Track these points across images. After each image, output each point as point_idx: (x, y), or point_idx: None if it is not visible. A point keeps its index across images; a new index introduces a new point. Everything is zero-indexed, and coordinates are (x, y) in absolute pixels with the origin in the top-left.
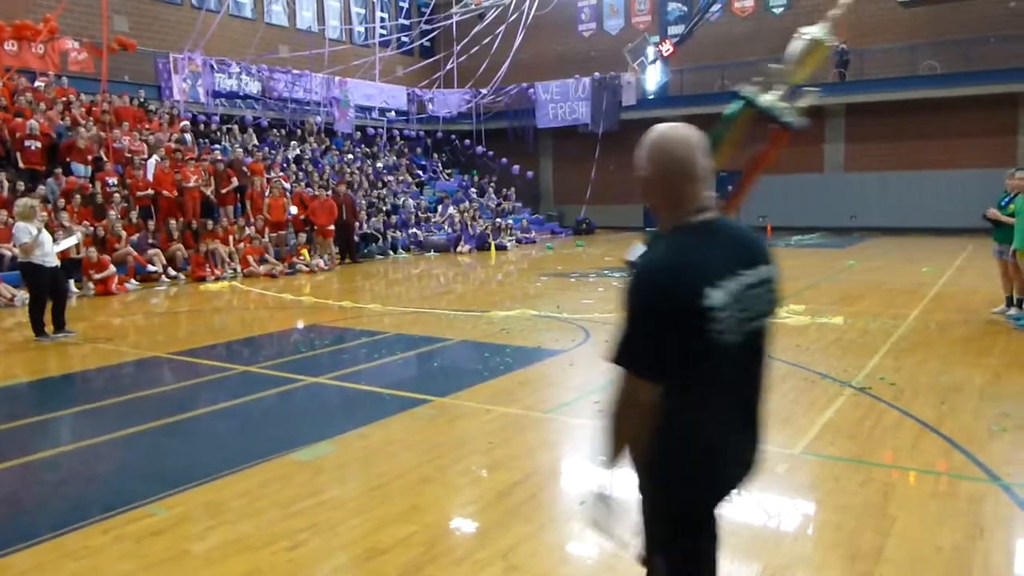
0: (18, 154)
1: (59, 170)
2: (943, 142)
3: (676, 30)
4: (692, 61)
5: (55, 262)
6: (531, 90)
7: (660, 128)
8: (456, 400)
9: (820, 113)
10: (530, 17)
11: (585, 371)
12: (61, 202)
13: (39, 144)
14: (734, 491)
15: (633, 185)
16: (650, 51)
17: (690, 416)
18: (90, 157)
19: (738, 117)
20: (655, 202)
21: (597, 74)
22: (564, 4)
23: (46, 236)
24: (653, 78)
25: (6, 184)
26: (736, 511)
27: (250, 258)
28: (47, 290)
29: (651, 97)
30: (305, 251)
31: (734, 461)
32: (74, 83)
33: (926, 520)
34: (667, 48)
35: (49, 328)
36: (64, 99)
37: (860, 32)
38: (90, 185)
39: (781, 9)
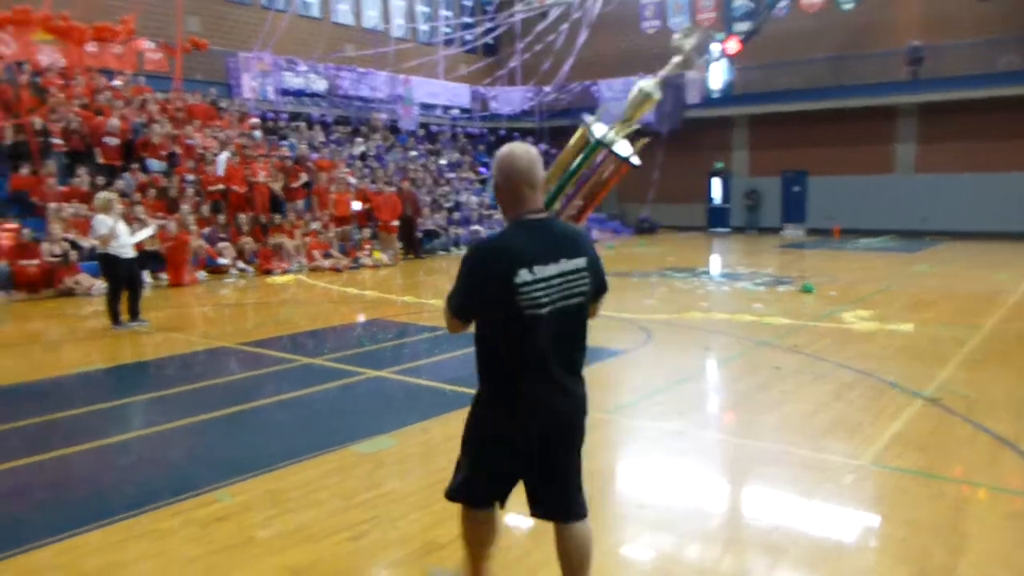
0: (97, 150)
1: (135, 165)
2: (1022, 142)
3: (742, 27)
4: (758, 58)
5: (131, 253)
6: (594, 88)
7: (509, 145)
8: None
9: (891, 113)
10: (594, 14)
11: (646, 372)
12: (137, 196)
13: (117, 140)
14: (548, 426)
15: (698, 184)
16: (715, 48)
17: (510, 367)
18: (164, 153)
19: (580, 139)
20: (503, 203)
21: (661, 72)
22: (628, 1)
23: (123, 228)
24: (718, 76)
25: (86, 179)
26: (798, 519)
27: (315, 252)
28: (123, 280)
29: (716, 96)
30: (376, 254)
31: (553, 410)
32: (150, 81)
33: (1002, 541)
34: (733, 45)
35: (125, 317)
36: (140, 97)
37: (935, 28)
38: (164, 180)
39: (851, 5)
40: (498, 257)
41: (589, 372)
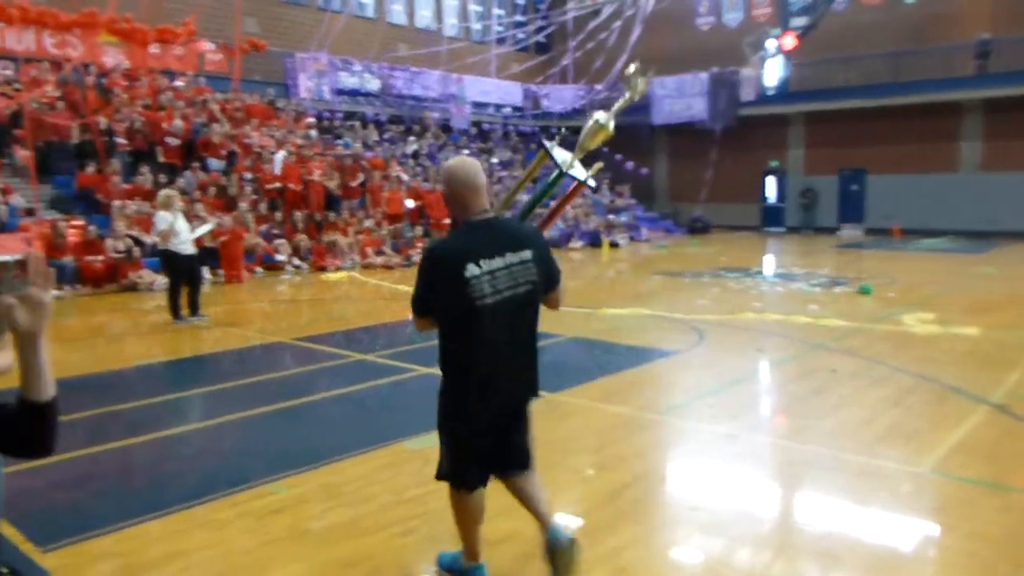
0: (159, 149)
1: (196, 164)
2: None
3: (799, 22)
4: (815, 54)
5: (191, 250)
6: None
7: (451, 160)
8: (566, 397)
9: (955, 109)
10: (647, 11)
11: (699, 373)
12: (197, 194)
13: (178, 141)
14: (504, 406)
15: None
16: (771, 44)
17: (465, 355)
18: (224, 152)
19: (541, 160)
20: (452, 209)
21: (715, 69)
22: None
23: (183, 224)
24: (773, 73)
25: (149, 177)
26: (853, 527)
27: (368, 249)
28: (183, 276)
29: (771, 93)
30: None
31: (506, 393)
32: (210, 82)
33: None
34: (789, 41)
35: (185, 311)
36: (201, 97)
37: (1004, 20)
38: (223, 178)
39: None
40: (449, 257)
41: (640, 373)
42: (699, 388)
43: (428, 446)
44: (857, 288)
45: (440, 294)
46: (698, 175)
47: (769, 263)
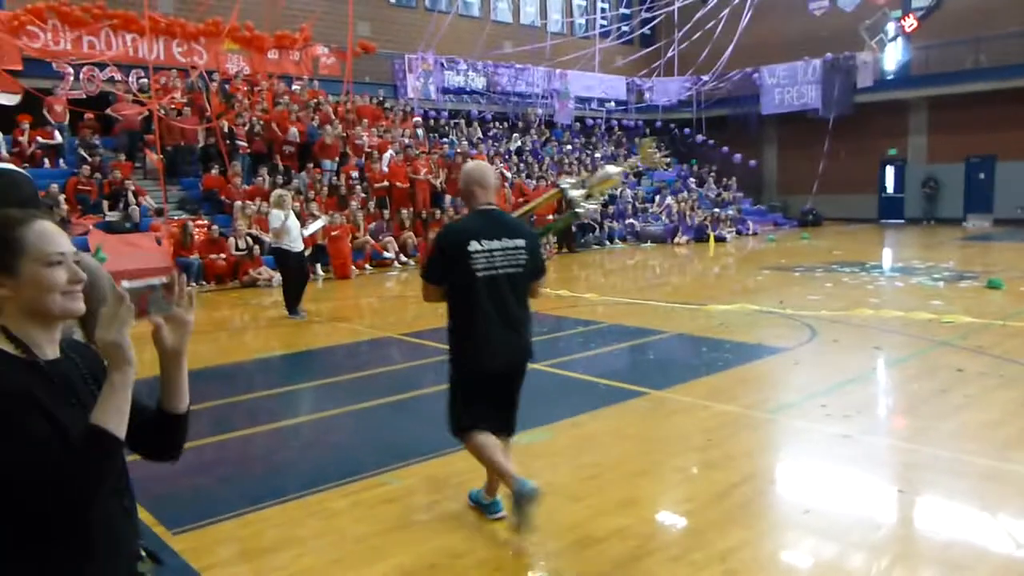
0: (277, 156)
1: (310, 164)
2: None
3: (921, 2)
4: (939, 35)
5: (301, 247)
6: (756, 75)
7: (471, 163)
8: (672, 394)
9: None
10: None
11: (811, 371)
12: (311, 193)
13: (293, 149)
14: (506, 366)
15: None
16: (890, 27)
17: (466, 317)
18: (337, 153)
19: (554, 196)
20: (464, 199)
21: (829, 55)
22: None
23: (294, 223)
24: (893, 57)
25: (267, 178)
26: (982, 536)
27: None
28: (293, 272)
29: (890, 78)
30: None
31: (500, 348)
32: (323, 85)
33: None
34: (910, 23)
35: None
36: (315, 100)
37: None
38: (335, 178)
39: None
40: (458, 234)
41: (748, 370)
42: (811, 387)
43: (534, 441)
44: (985, 282)
45: (448, 264)
46: (809, 166)
47: (887, 256)
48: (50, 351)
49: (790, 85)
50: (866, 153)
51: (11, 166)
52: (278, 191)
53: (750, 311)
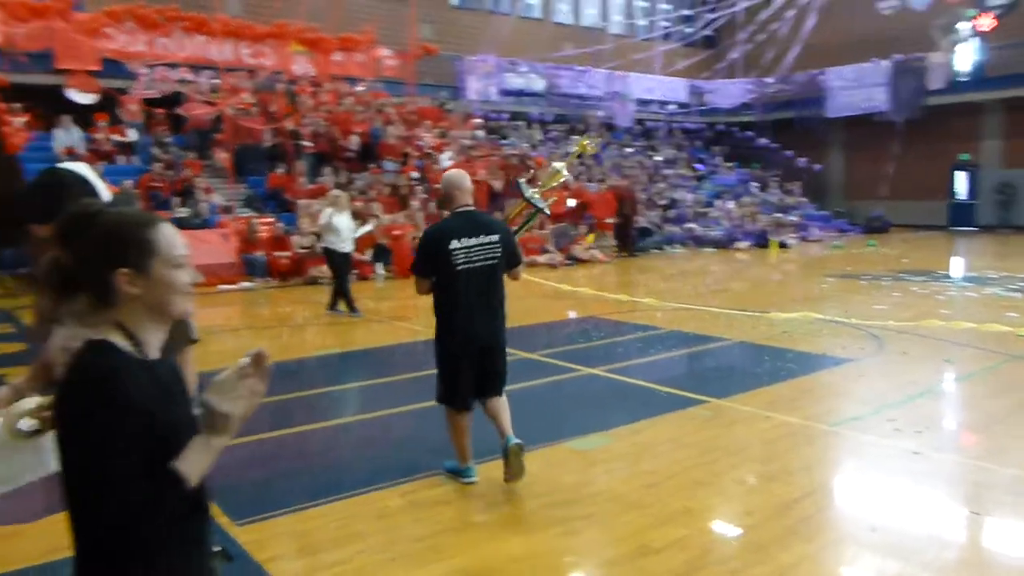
0: (338, 161)
1: (373, 165)
2: None
3: (997, 0)
4: (1017, 35)
5: (349, 248)
6: (821, 76)
7: (451, 170)
8: (733, 403)
9: None
10: None
11: (876, 383)
12: (372, 193)
13: (354, 154)
14: (483, 344)
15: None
16: (964, 27)
17: (448, 305)
18: (399, 153)
19: (519, 201)
20: (446, 202)
21: (899, 56)
22: None
23: (344, 223)
24: (966, 58)
25: (331, 178)
26: None
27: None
28: (336, 270)
29: (964, 79)
30: (590, 238)
31: (477, 329)
32: (386, 87)
33: None
34: (987, 21)
35: (342, 306)
36: (378, 101)
37: None
38: (396, 178)
39: None
40: (438, 234)
41: (810, 381)
42: (877, 400)
43: (593, 447)
44: None
45: (432, 260)
46: (876, 170)
47: (958, 265)
48: (155, 350)
49: (857, 87)
50: (936, 157)
51: (68, 164)
52: (335, 191)
53: (814, 320)
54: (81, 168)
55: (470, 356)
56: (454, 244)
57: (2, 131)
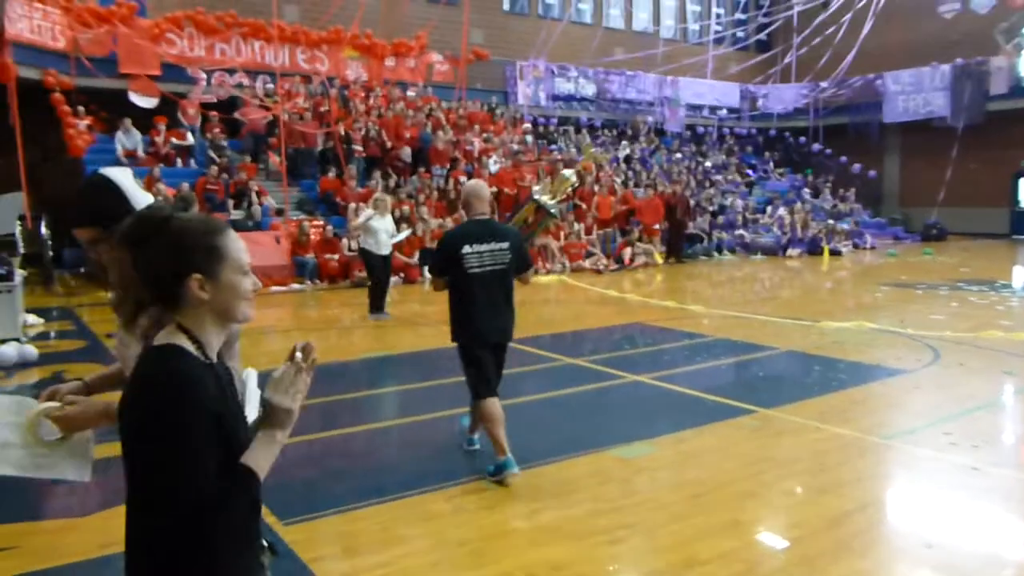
0: (389, 167)
1: (422, 169)
2: None
3: None
4: None
5: (386, 251)
6: (878, 81)
7: (470, 180)
8: (782, 413)
9: None
10: (881, 2)
11: (932, 395)
12: (421, 197)
13: (404, 163)
14: (495, 340)
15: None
16: None
17: (463, 304)
18: (448, 158)
19: (528, 206)
20: (465, 209)
21: (960, 60)
22: None
23: (381, 226)
24: None
25: (381, 182)
26: None
27: (578, 253)
28: (374, 273)
29: None
30: (636, 240)
31: (488, 327)
32: (436, 91)
33: None
34: None
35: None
36: (428, 106)
37: None
38: (445, 182)
39: None
40: (455, 238)
41: (863, 392)
42: (933, 412)
43: (636, 455)
44: None
45: (447, 261)
46: (934, 177)
47: (1020, 275)
48: (215, 353)
49: (915, 92)
50: (997, 164)
51: (109, 169)
52: (380, 195)
53: (867, 329)
54: (117, 172)
55: (489, 347)
56: (467, 249)
57: (67, 134)
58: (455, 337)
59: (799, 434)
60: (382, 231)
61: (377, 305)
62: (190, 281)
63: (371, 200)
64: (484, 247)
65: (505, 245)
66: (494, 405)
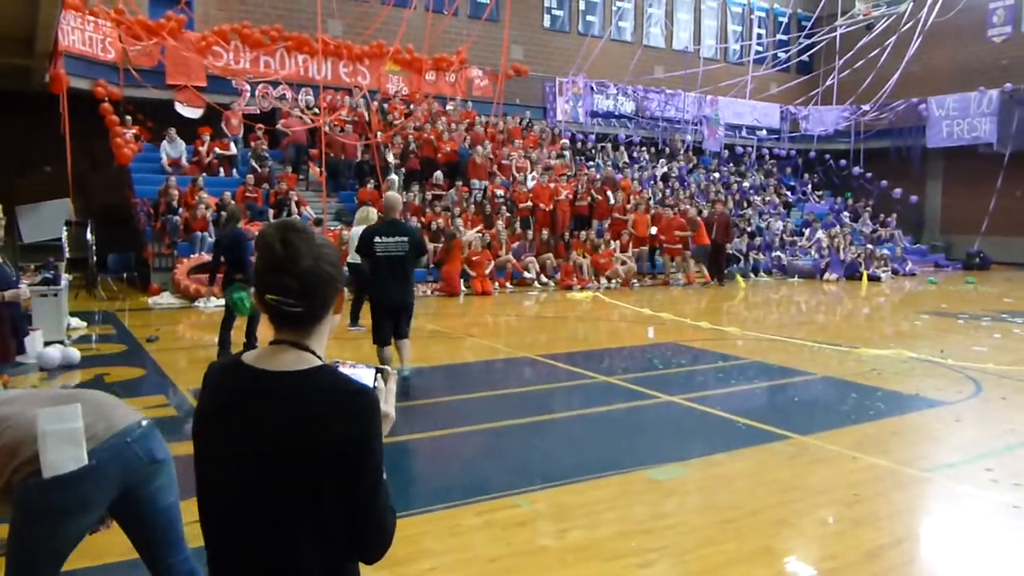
0: (426, 181)
1: (459, 182)
2: None
3: None
4: None
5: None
6: (922, 105)
7: (390, 192)
8: (817, 441)
9: None
10: (928, 24)
11: (975, 430)
12: (457, 210)
13: (443, 181)
14: (392, 306)
15: None
16: None
17: (375, 277)
18: (485, 173)
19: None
20: (385, 212)
21: (1009, 85)
22: (971, 7)
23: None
24: None
25: (418, 195)
26: None
27: (614, 270)
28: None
29: None
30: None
31: (390, 295)
32: (476, 106)
33: None
34: None
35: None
36: (467, 121)
37: None
38: (482, 197)
39: None
40: (371, 232)
41: (901, 422)
42: (974, 447)
43: (668, 477)
44: None
45: (366, 248)
46: (978, 204)
47: None
48: None
49: (961, 117)
50: None
51: None
52: (366, 208)
53: (906, 358)
54: None
55: (387, 310)
56: (377, 239)
57: (114, 143)
58: (371, 299)
59: (834, 463)
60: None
61: (358, 318)
62: (341, 296)
63: (359, 215)
64: (390, 239)
65: (404, 239)
66: (385, 351)
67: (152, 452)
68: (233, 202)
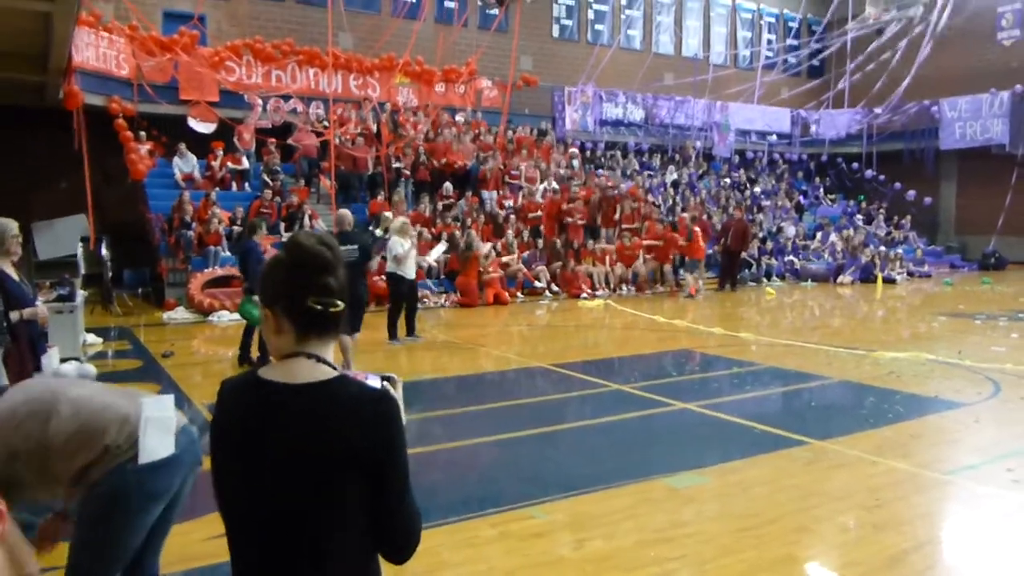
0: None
1: (469, 192)
2: None
3: None
4: None
5: (414, 275)
6: (934, 108)
7: (340, 210)
8: (836, 445)
9: None
10: (938, 28)
11: (995, 431)
12: (468, 220)
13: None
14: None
15: None
16: None
17: None
18: (495, 183)
19: None
20: (337, 224)
21: (1020, 87)
22: (981, 10)
23: (411, 251)
24: None
25: (428, 206)
26: None
27: (625, 278)
28: (404, 298)
29: None
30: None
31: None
32: (485, 116)
33: None
34: None
35: (401, 332)
36: (476, 131)
37: None
38: (492, 206)
39: None
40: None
41: (920, 425)
42: (995, 448)
43: (685, 485)
44: None
45: None
46: (992, 205)
47: None
48: None
49: (973, 119)
50: None
51: None
52: (401, 219)
53: (924, 360)
54: None
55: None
56: (339, 245)
57: (129, 158)
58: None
59: (854, 467)
60: (412, 256)
61: (409, 328)
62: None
63: (396, 226)
64: (346, 247)
65: (355, 246)
66: (345, 340)
67: (200, 455)
68: (257, 218)
